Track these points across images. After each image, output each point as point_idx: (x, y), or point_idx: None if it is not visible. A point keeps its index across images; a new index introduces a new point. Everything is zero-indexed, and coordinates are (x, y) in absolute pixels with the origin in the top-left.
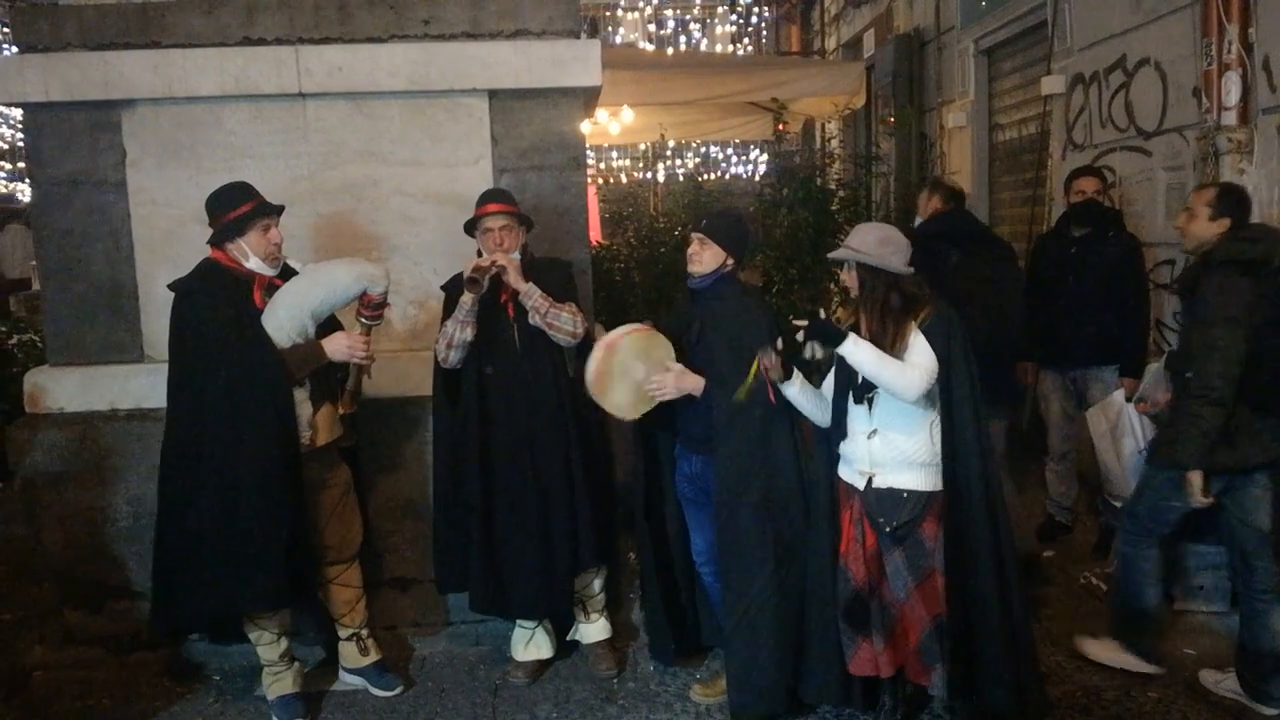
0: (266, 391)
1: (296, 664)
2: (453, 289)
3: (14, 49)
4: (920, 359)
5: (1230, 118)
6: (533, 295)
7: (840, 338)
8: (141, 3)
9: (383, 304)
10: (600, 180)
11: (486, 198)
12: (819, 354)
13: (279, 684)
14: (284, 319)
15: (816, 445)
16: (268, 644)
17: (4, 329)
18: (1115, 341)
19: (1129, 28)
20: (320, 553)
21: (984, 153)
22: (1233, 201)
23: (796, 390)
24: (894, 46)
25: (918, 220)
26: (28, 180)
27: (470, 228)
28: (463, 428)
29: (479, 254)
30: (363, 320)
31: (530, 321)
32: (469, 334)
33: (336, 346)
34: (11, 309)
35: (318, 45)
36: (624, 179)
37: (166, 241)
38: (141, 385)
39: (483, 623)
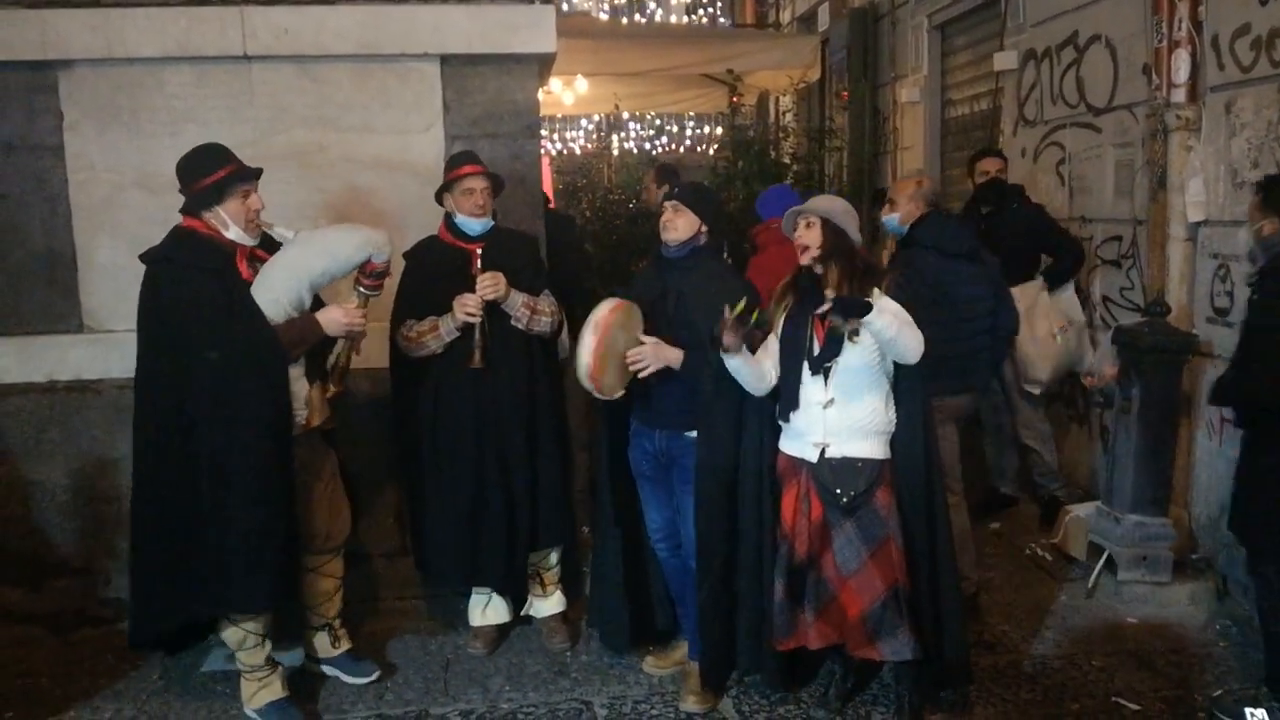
0: (262, 370)
1: (280, 666)
2: (418, 257)
3: None
4: (910, 320)
5: (1179, 95)
6: (515, 306)
7: (867, 307)
8: None
9: (384, 273)
10: (554, 151)
11: (463, 159)
12: (845, 328)
13: (266, 690)
14: (280, 291)
15: (751, 416)
16: (251, 648)
17: None
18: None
19: (1081, 4)
20: (306, 541)
21: (936, 128)
22: None
23: (739, 361)
24: (849, 20)
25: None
26: None
27: (440, 193)
28: (427, 402)
29: (445, 220)
30: (360, 290)
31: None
32: (440, 349)
33: (332, 319)
34: None
35: (263, 6)
36: (578, 150)
37: (106, 208)
38: (81, 356)
39: (433, 598)
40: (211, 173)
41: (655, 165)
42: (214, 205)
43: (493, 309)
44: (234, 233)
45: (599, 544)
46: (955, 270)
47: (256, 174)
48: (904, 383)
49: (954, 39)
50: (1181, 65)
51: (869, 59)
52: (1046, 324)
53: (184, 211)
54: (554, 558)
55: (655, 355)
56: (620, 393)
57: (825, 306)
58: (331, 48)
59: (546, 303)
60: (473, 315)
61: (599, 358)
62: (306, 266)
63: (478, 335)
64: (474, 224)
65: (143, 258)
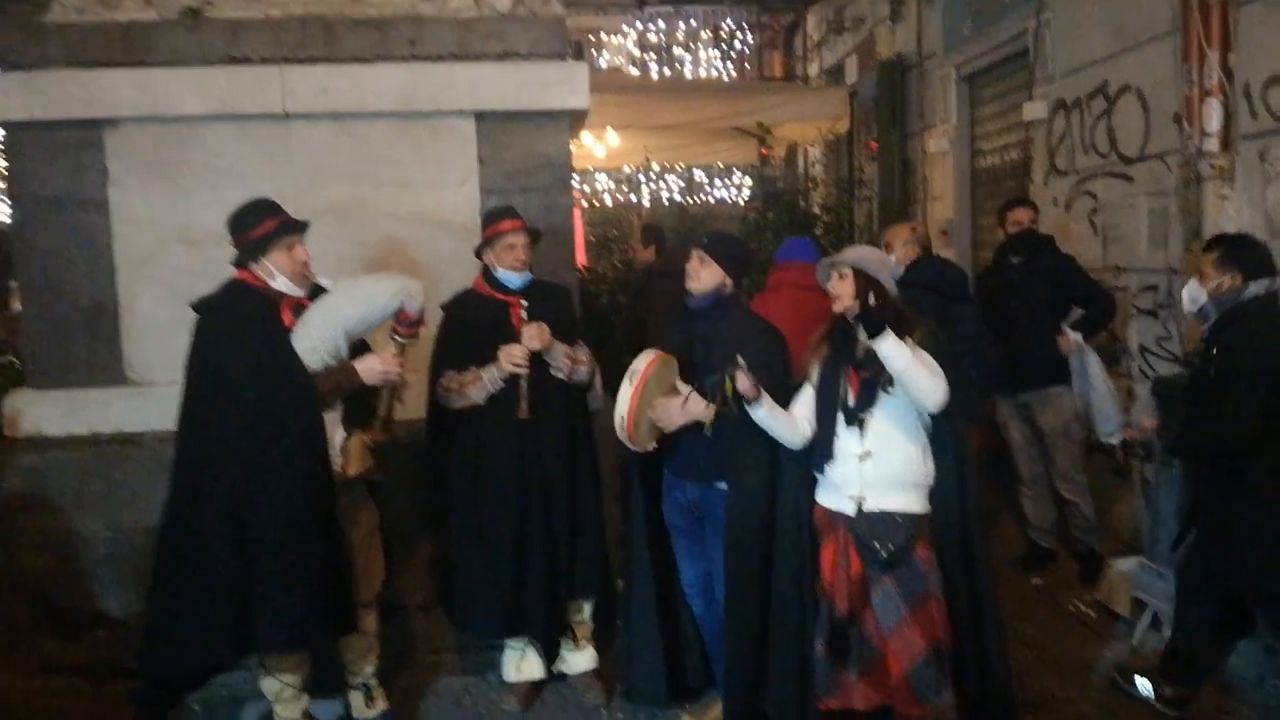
0: (297, 413)
1: None
2: (457, 309)
3: None
4: (937, 368)
5: (1212, 144)
6: (557, 356)
7: (880, 328)
8: (127, 21)
9: (419, 321)
10: (585, 203)
11: (502, 214)
12: (862, 339)
13: None
14: (317, 338)
15: (787, 467)
16: (288, 700)
17: None
18: (1061, 361)
19: (1110, 54)
20: None
21: (966, 178)
22: None
23: (765, 412)
24: (876, 73)
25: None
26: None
27: (480, 248)
28: (469, 452)
29: (484, 274)
30: (397, 338)
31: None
32: (483, 400)
33: (369, 367)
34: None
35: (303, 65)
36: (609, 202)
37: (148, 261)
38: (123, 409)
39: (466, 652)
40: (258, 225)
41: (640, 223)
42: (261, 257)
43: (535, 359)
44: (280, 283)
45: (631, 597)
46: (951, 310)
47: (302, 226)
48: (941, 435)
49: (982, 90)
50: (1213, 114)
51: (897, 110)
52: (1101, 373)
53: (235, 263)
54: (588, 610)
55: (685, 408)
56: (652, 445)
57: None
58: (369, 105)
59: (584, 352)
60: (519, 366)
61: (634, 409)
62: (342, 314)
63: (523, 385)
64: (514, 277)
65: (193, 305)
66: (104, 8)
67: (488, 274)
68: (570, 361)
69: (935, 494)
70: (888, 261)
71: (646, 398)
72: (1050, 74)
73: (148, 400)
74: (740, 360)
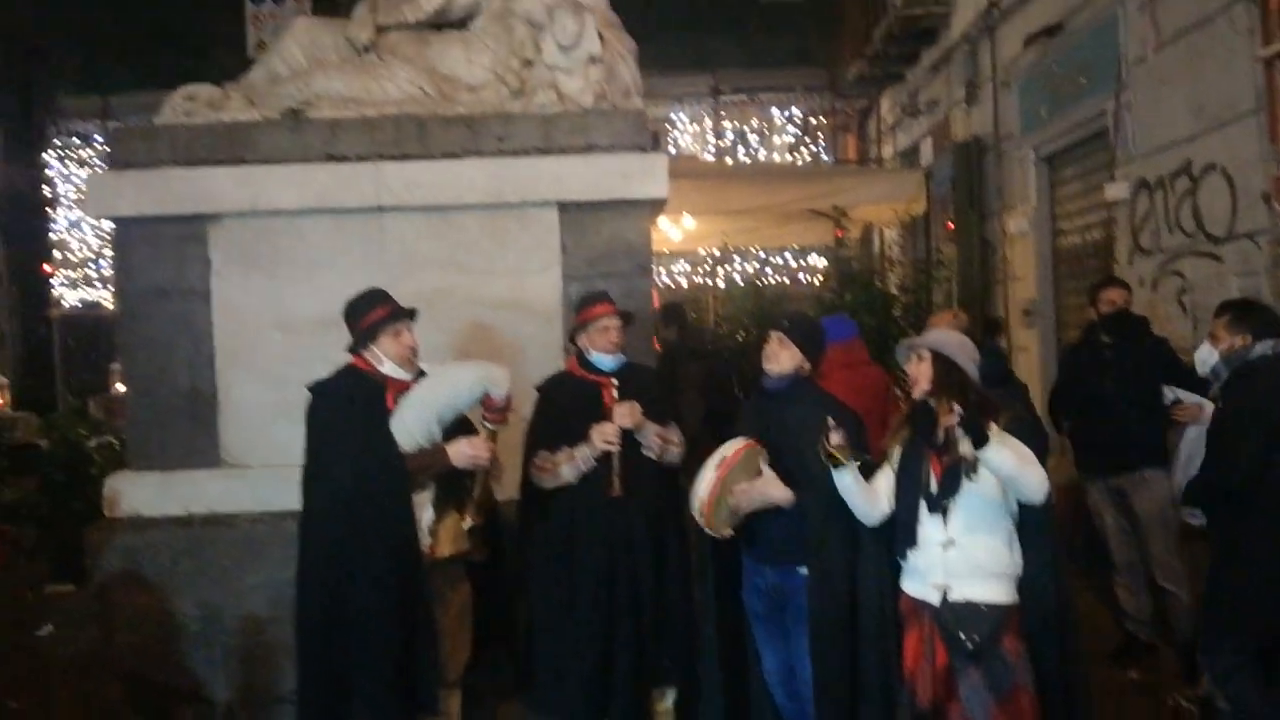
0: (385, 492)
1: None
2: (551, 391)
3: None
4: (1031, 457)
5: None
6: (648, 435)
7: (986, 438)
8: (231, 122)
9: (505, 407)
10: (661, 285)
11: (595, 299)
12: (965, 450)
13: None
14: (410, 422)
15: (868, 552)
16: None
17: (84, 432)
18: (1157, 443)
19: (1192, 134)
20: None
21: (1048, 258)
22: None
23: (850, 479)
24: (952, 154)
25: None
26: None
27: (574, 331)
28: (560, 532)
29: (577, 357)
30: (486, 424)
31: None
32: (575, 479)
33: (458, 451)
34: (90, 411)
35: (397, 162)
36: (684, 284)
37: (245, 348)
38: (216, 490)
39: None
40: (369, 313)
41: (662, 305)
42: (370, 343)
43: (627, 439)
44: (388, 368)
45: (705, 686)
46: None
47: (408, 314)
48: (1030, 523)
49: (1062, 170)
50: None
51: (974, 191)
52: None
53: (349, 349)
54: (670, 698)
55: (764, 492)
56: (729, 532)
57: (945, 428)
58: (459, 198)
59: (676, 433)
60: (611, 444)
61: (714, 495)
62: (432, 400)
63: (615, 464)
64: (608, 360)
65: (308, 387)
66: (211, 109)
67: (581, 357)
68: (661, 441)
69: (1024, 583)
70: (968, 344)
71: (729, 484)
72: (1131, 154)
73: (241, 482)
74: (830, 421)
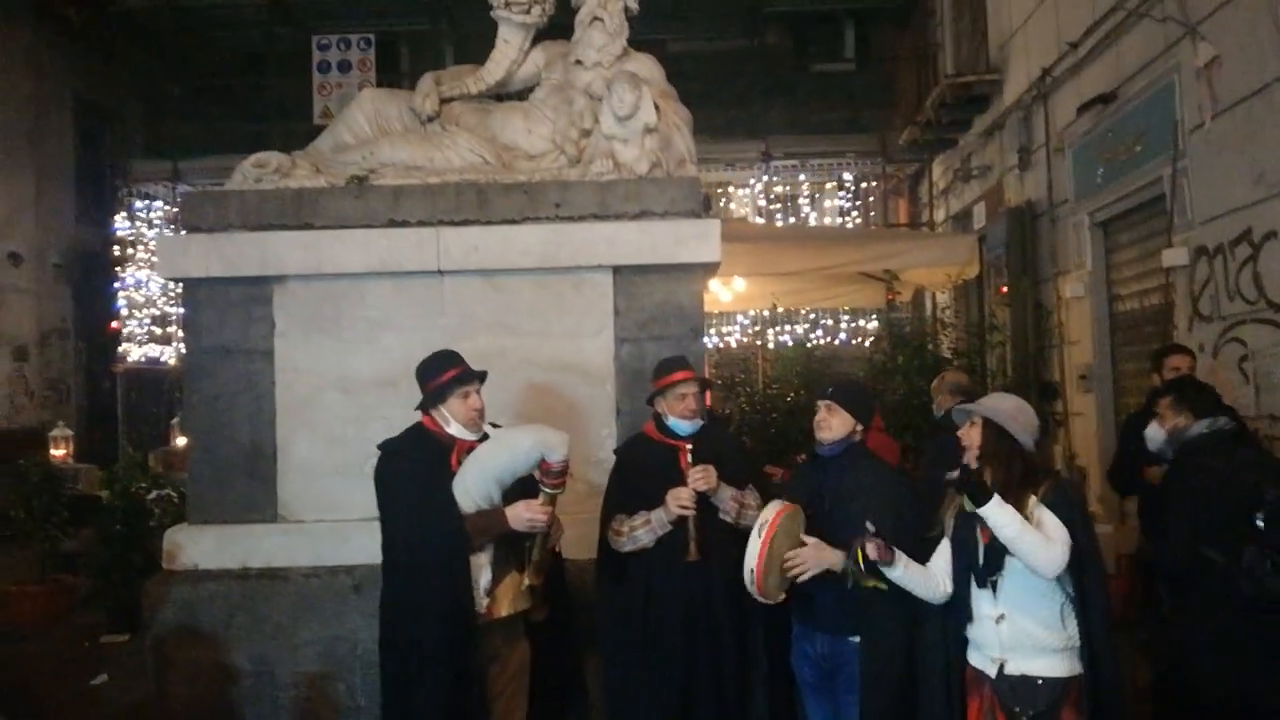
0: (442, 552)
1: None
2: (628, 454)
3: (176, 230)
4: (1056, 533)
5: None
6: (724, 500)
7: (986, 497)
8: (298, 188)
9: (563, 472)
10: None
11: (674, 365)
12: (967, 507)
13: None
14: (470, 484)
15: (928, 621)
16: None
17: (144, 485)
18: None
19: (1252, 201)
20: None
21: (1104, 323)
22: None
23: (901, 572)
24: (1006, 219)
25: (938, 411)
26: (179, 347)
27: (652, 396)
28: (639, 595)
29: (655, 421)
30: (545, 488)
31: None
32: (651, 543)
33: (516, 514)
34: (150, 464)
35: (456, 227)
36: (734, 345)
37: (305, 407)
38: (273, 544)
39: None
40: (440, 375)
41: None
42: (439, 404)
43: (703, 502)
44: (455, 429)
45: None
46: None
47: (477, 376)
48: (1088, 595)
49: (1117, 235)
50: None
51: (1028, 255)
52: None
53: (419, 407)
54: None
55: (815, 558)
56: (781, 596)
57: (952, 475)
58: (516, 262)
59: (753, 496)
60: (686, 508)
61: (764, 561)
62: (492, 463)
63: (691, 528)
64: (685, 425)
65: (379, 446)
66: (278, 176)
67: (659, 420)
68: (737, 505)
69: (1086, 656)
70: (1026, 410)
71: (776, 549)
72: (1189, 220)
73: (297, 537)
74: (870, 526)
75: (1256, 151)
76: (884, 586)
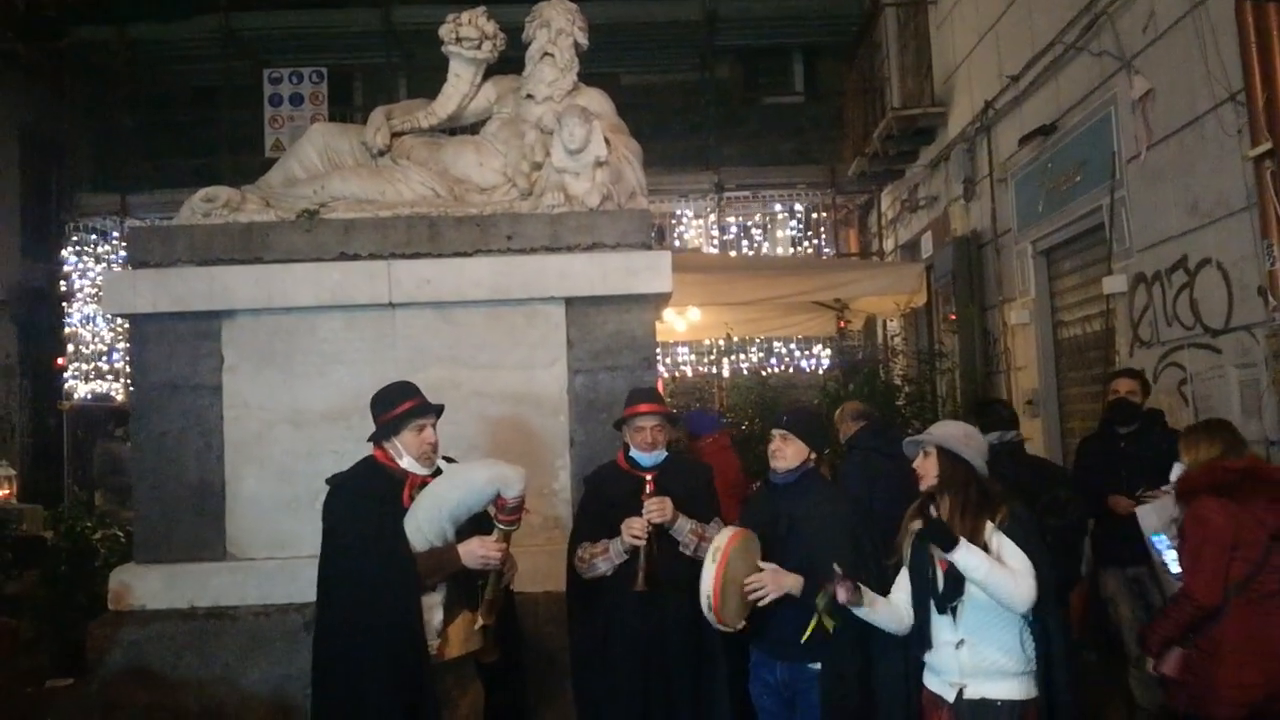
0: (391, 589)
1: None
2: (597, 483)
3: (121, 265)
4: (1020, 564)
5: None
6: (683, 532)
7: (953, 543)
8: (248, 222)
9: (519, 508)
10: (666, 376)
11: (639, 397)
12: (937, 555)
13: None
14: (422, 520)
15: (888, 649)
16: None
17: (89, 525)
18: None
19: (1187, 230)
20: None
21: (1049, 349)
22: None
23: (867, 609)
24: (952, 248)
25: (844, 438)
26: (127, 384)
27: (618, 425)
28: (599, 622)
29: (624, 451)
30: (499, 525)
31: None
32: (609, 571)
33: (470, 551)
34: (96, 503)
35: (409, 260)
36: (690, 374)
37: (255, 442)
38: (221, 583)
39: None
40: (394, 407)
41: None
42: (393, 436)
43: (660, 534)
44: (406, 462)
45: None
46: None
47: (431, 410)
48: (1047, 619)
49: (1060, 263)
50: None
51: (974, 283)
52: None
53: (371, 439)
54: None
55: (774, 583)
56: (741, 624)
57: (916, 525)
58: (468, 294)
59: (716, 531)
60: (638, 538)
61: (719, 588)
62: (445, 498)
63: (642, 559)
64: (646, 457)
65: (328, 480)
66: (228, 210)
67: (627, 450)
68: (696, 538)
69: (1042, 677)
70: (975, 436)
71: (731, 575)
72: (1128, 248)
73: (245, 575)
74: (837, 569)
75: (1190, 181)
76: (838, 623)
